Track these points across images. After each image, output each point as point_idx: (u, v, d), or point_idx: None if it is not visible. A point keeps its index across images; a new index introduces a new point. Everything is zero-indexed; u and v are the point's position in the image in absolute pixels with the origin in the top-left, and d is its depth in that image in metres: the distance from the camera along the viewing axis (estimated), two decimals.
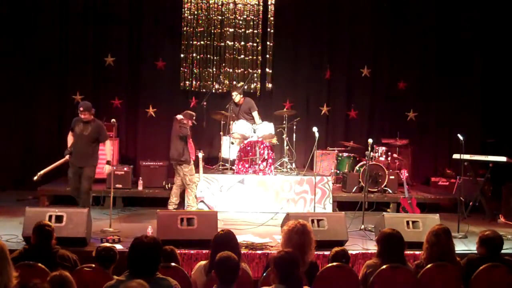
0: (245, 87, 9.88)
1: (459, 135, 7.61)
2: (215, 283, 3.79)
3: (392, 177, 9.23)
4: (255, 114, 9.54)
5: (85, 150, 7.41)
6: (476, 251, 4.97)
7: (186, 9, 10.27)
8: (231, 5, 10.36)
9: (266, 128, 9.16)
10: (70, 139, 7.50)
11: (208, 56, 10.40)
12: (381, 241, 4.72)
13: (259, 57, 10.47)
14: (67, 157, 7.39)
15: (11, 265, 3.49)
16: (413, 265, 4.76)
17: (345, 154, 9.94)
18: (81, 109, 7.30)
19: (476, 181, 8.91)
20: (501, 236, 4.85)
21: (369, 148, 7.91)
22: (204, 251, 5.77)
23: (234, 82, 10.36)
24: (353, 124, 10.84)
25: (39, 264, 4.23)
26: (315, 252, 4.59)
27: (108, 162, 7.50)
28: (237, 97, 9.42)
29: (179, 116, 8.27)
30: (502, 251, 4.88)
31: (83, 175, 7.38)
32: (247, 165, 8.81)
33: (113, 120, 7.73)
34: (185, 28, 10.30)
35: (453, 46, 10.71)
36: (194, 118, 8.33)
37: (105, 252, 4.52)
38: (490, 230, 4.92)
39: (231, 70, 10.43)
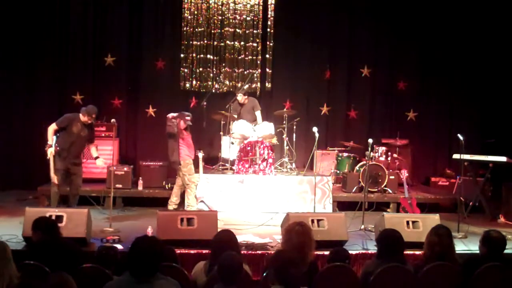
0: (245, 86, 9.87)
1: (459, 135, 7.62)
2: (215, 283, 3.79)
3: (392, 177, 9.23)
4: (258, 113, 9.57)
5: (81, 150, 7.69)
6: (477, 251, 4.95)
7: (186, 9, 10.27)
8: (231, 5, 10.36)
9: (266, 128, 9.16)
10: (52, 133, 7.46)
11: (208, 56, 10.40)
12: (381, 241, 4.72)
13: (259, 57, 10.47)
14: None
15: (13, 265, 3.48)
16: (413, 265, 4.76)
17: (345, 154, 9.94)
18: (94, 116, 7.49)
19: (476, 181, 8.92)
20: (504, 236, 4.83)
21: (369, 148, 7.91)
22: (204, 251, 5.77)
23: (234, 82, 10.36)
24: (353, 124, 10.84)
25: (40, 264, 4.22)
26: (315, 252, 4.59)
27: (97, 158, 7.78)
28: (241, 97, 9.45)
29: (170, 115, 8.30)
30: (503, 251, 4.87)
31: (77, 174, 7.62)
32: (247, 165, 8.81)
33: (113, 120, 7.76)
34: (185, 28, 10.30)
35: (453, 45, 10.71)
36: (189, 118, 8.32)
37: (106, 252, 4.52)
38: (494, 230, 4.90)
39: (231, 70, 10.43)
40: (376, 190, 9.07)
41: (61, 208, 7.06)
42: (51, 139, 7.42)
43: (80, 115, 7.49)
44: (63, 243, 4.56)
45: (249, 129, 9.07)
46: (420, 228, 6.42)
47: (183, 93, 10.41)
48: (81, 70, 10.10)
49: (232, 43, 10.40)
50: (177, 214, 6.52)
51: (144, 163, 9.19)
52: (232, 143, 9.07)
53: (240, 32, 10.41)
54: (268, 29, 10.44)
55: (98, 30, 10.16)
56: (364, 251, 6.28)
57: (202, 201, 8.18)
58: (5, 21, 9.74)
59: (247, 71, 10.41)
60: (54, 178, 7.38)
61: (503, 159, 8.55)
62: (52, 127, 7.46)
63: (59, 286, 3.47)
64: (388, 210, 8.85)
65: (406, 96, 10.87)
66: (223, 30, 10.40)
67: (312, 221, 6.31)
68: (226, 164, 9.15)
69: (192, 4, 10.28)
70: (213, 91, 10.23)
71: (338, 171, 9.81)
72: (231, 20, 10.38)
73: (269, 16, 10.41)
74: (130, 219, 7.93)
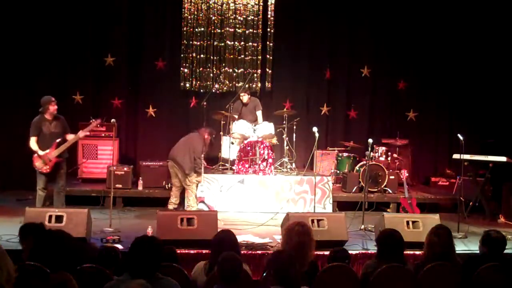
0: (246, 86, 9.87)
1: (459, 135, 7.62)
2: (215, 283, 3.79)
3: (392, 177, 9.24)
4: (259, 113, 9.57)
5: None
6: (477, 251, 4.96)
7: (186, 9, 10.27)
8: (231, 5, 10.36)
9: (266, 128, 9.16)
10: (36, 144, 7.41)
11: (208, 56, 10.40)
12: (380, 241, 4.72)
13: (259, 57, 10.47)
14: None
15: (9, 258, 3.46)
16: (413, 265, 4.76)
17: (345, 154, 9.94)
18: (47, 105, 7.36)
19: (476, 181, 8.92)
20: (504, 236, 4.83)
21: (369, 148, 7.92)
22: (204, 251, 5.78)
23: (234, 82, 10.36)
24: (353, 124, 10.84)
25: (40, 264, 4.21)
26: (315, 252, 4.59)
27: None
28: (245, 97, 9.46)
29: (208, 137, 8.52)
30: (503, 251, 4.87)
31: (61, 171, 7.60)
32: (247, 165, 8.81)
33: (113, 120, 7.75)
34: (185, 28, 10.30)
35: (453, 45, 10.71)
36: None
37: (106, 253, 4.52)
38: (494, 230, 4.90)
39: (231, 70, 10.43)
40: (376, 190, 9.08)
41: (61, 208, 7.07)
42: (38, 148, 7.37)
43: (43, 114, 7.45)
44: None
45: (249, 129, 9.07)
46: (420, 228, 6.43)
47: (183, 93, 10.41)
48: (81, 70, 10.10)
49: (232, 43, 10.40)
50: (177, 214, 6.53)
51: (144, 163, 9.19)
52: (232, 143, 9.07)
53: (240, 32, 10.40)
54: (268, 29, 10.44)
55: (98, 30, 10.16)
56: (364, 251, 6.30)
57: (202, 201, 8.18)
58: (5, 21, 9.74)
59: (247, 71, 10.41)
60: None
61: (503, 159, 8.56)
62: (33, 140, 7.38)
63: (60, 286, 3.46)
64: (388, 210, 8.85)
65: (406, 96, 10.87)
66: (223, 30, 10.39)
67: (312, 221, 6.32)
68: (226, 164, 9.15)
69: (192, 4, 10.28)
70: (213, 91, 10.24)
71: (338, 171, 9.81)
72: (231, 20, 10.38)
73: (269, 16, 10.41)
74: (130, 219, 7.94)
